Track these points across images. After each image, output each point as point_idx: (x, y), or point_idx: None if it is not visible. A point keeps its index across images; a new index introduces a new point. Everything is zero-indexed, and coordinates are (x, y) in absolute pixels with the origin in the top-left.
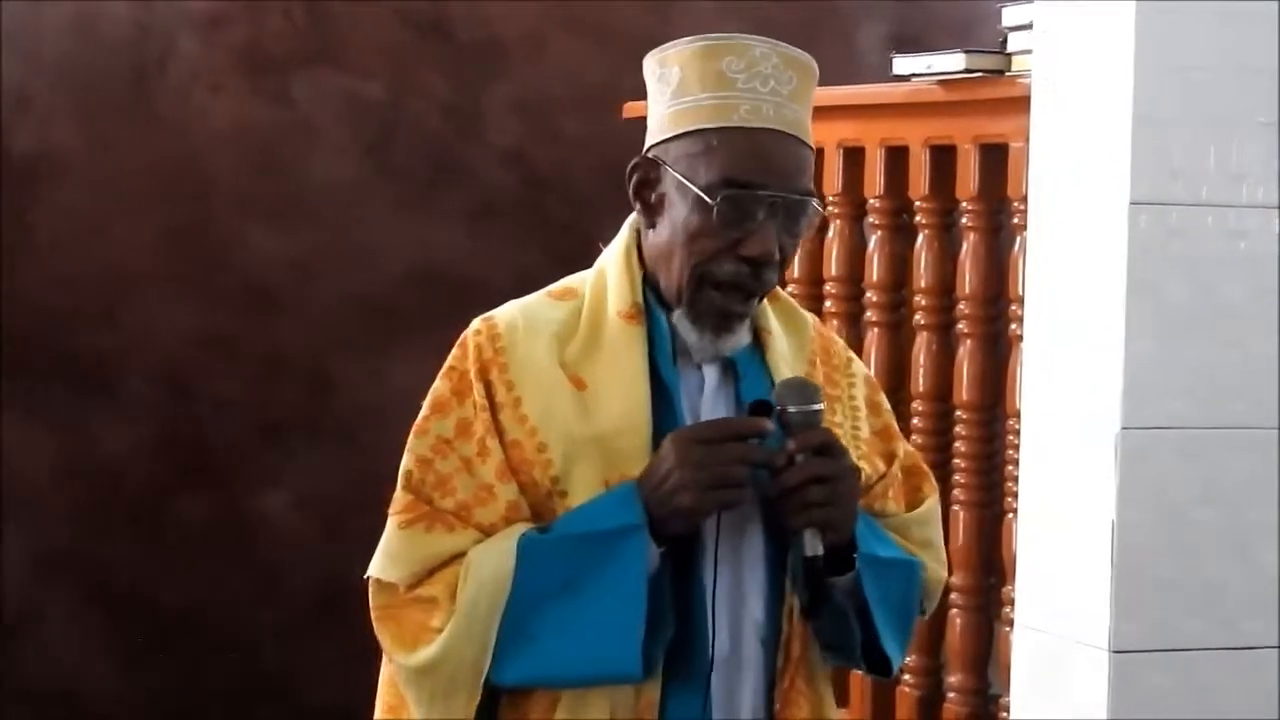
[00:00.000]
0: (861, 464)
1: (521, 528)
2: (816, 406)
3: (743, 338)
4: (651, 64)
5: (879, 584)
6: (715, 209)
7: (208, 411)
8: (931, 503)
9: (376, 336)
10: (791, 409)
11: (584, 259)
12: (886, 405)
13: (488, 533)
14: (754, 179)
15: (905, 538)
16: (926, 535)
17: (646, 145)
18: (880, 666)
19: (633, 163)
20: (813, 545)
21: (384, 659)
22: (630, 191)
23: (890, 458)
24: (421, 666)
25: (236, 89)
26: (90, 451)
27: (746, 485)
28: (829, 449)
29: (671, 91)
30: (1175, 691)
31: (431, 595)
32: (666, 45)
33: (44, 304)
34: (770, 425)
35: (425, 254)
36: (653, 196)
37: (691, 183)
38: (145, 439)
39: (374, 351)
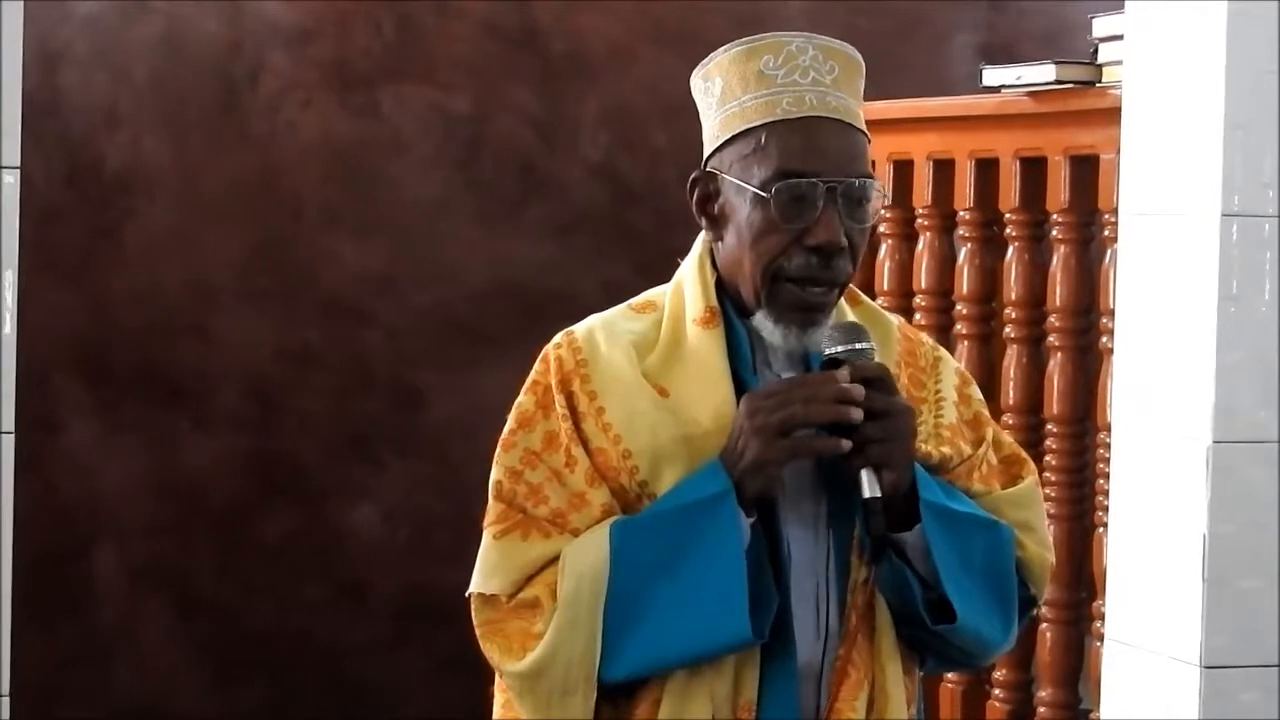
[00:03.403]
0: (943, 449)
1: (613, 518)
2: (865, 344)
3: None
4: (696, 81)
5: (948, 535)
6: (772, 202)
7: (295, 426)
8: (1028, 484)
9: (464, 350)
10: (840, 349)
11: (672, 271)
12: (978, 396)
13: None
14: (806, 167)
15: (1001, 517)
16: (1023, 517)
17: (703, 161)
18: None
19: (691, 178)
20: (871, 486)
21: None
22: (694, 208)
23: (978, 444)
24: (531, 670)
25: (325, 104)
26: (179, 466)
27: (815, 431)
28: (881, 383)
29: (716, 101)
30: (1267, 706)
31: (534, 596)
32: (706, 60)
33: (134, 318)
34: (845, 375)
35: (513, 268)
36: (715, 208)
37: (747, 183)
38: (233, 453)
39: (461, 365)
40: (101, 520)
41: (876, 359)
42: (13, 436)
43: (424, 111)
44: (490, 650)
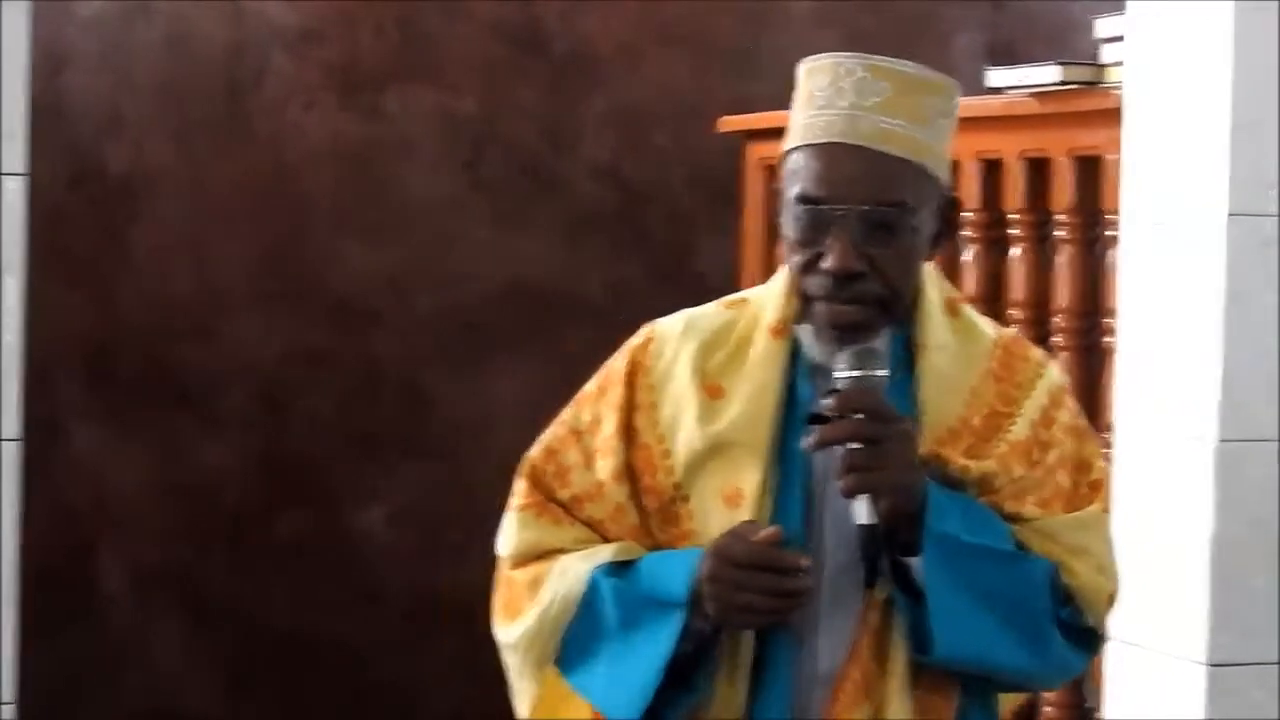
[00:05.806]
0: (985, 465)
1: (608, 554)
2: (876, 372)
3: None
4: None
5: (950, 564)
6: (792, 225)
7: (305, 427)
8: (1093, 509)
9: (472, 351)
10: (854, 373)
11: (680, 272)
12: (1067, 420)
13: (597, 528)
14: (819, 194)
15: (1055, 542)
16: (1080, 541)
17: None
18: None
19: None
20: (870, 513)
21: None
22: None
23: (1036, 466)
24: (504, 642)
25: (330, 106)
26: (188, 468)
27: (779, 611)
28: (872, 411)
29: (794, 109)
30: (1273, 704)
31: (521, 582)
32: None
33: (141, 321)
34: (806, 563)
35: (521, 268)
36: None
37: (787, 200)
38: (243, 455)
39: (470, 366)
40: (110, 524)
41: (886, 385)
42: (20, 444)
43: (429, 113)
44: (496, 599)
